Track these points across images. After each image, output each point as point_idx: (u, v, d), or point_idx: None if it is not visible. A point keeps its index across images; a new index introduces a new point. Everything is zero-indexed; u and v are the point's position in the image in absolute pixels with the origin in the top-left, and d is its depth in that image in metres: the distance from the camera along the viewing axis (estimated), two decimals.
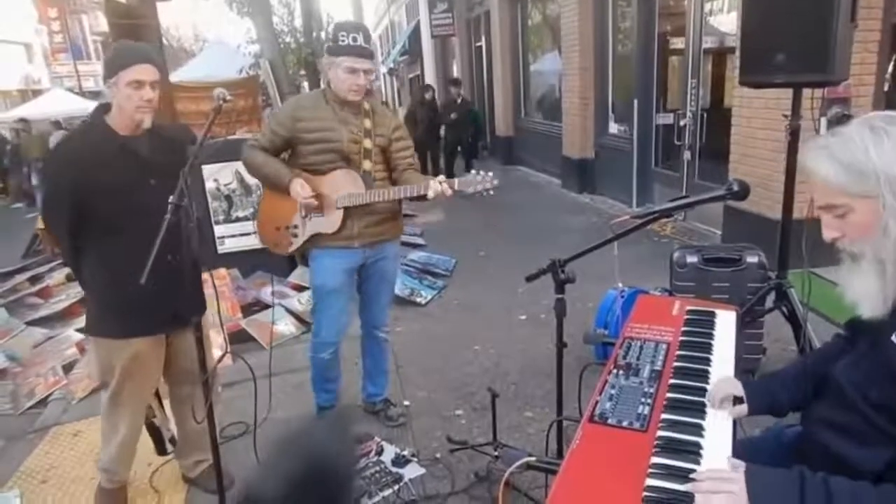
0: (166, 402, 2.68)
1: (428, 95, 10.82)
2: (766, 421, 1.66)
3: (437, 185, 2.52)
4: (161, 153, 2.27)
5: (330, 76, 2.66)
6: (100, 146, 2.19)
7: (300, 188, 2.61)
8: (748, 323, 3.01)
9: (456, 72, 16.05)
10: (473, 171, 2.57)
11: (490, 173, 2.55)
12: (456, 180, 2.59)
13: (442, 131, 10.54)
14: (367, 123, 2.71)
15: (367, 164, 2.69)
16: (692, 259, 3.26)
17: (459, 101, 10.78)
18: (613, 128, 8.39)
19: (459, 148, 10.90)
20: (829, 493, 1.08)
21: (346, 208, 2.65)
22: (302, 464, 0.79)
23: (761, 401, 1.46)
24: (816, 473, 1.12)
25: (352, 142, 2.67)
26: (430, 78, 17.80)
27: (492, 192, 2.56)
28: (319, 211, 2.68)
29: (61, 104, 17.76)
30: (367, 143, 2.70)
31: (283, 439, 0.82)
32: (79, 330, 4.18)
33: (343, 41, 2.56)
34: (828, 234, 1.24)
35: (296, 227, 2.76)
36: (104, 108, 2.26)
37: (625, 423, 1.36)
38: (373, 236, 2.75)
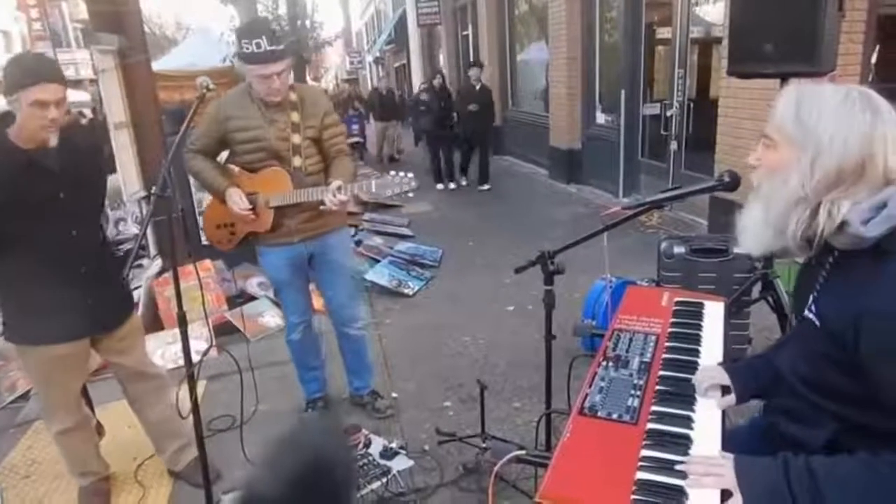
0: (126, 403, 2.63)
1: (437, 81, 9.56)
2: (753, 410, 1.67)
3: (330, 196, 2.48)
4: (72, 164, 2.16)
5: (248, 80, 2.60)
6: (4, 163, 2.04)
7: (238, 199, 2.61)
8: (734, 313, 3.02)
9: (442, 61, 15.94)
10: (393, 172, 2.49)
11: (410, 174, 2.46)
12: (373, 182, 2.54)
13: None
14: (295, 117, 2.63)
15: (297, 161, 2.64)
16: (679, 250, 3.27)
17: (479, 87, 8.79)
18: (600, 118, 8.39)
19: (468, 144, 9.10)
20: (810, 470, 1.12)
21: (277, 207, 2.64)
22: (301, 462, 0.78)
23: (748, 387, 1.46)
24: (799, 456, 1.15)
25: (280, 139, 2.61)
26: (415, 68, 17.71)
27: (411, 195, 2.51)
28: (254, 218, 2.67)
29: None
30: (296, 139, 2.63)
31: (279, 438, 0.80)
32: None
33: (247, 49, 2.45)
34: (752, 157, 1.30)
35: (233, 225, 2.76)
36: (6, 122, 2.05)
37: (615, 416, 1.36)
38: (313, 230, 2.73)
